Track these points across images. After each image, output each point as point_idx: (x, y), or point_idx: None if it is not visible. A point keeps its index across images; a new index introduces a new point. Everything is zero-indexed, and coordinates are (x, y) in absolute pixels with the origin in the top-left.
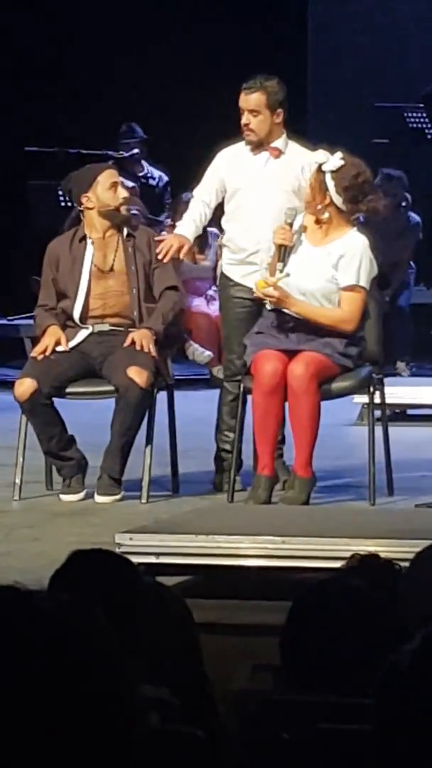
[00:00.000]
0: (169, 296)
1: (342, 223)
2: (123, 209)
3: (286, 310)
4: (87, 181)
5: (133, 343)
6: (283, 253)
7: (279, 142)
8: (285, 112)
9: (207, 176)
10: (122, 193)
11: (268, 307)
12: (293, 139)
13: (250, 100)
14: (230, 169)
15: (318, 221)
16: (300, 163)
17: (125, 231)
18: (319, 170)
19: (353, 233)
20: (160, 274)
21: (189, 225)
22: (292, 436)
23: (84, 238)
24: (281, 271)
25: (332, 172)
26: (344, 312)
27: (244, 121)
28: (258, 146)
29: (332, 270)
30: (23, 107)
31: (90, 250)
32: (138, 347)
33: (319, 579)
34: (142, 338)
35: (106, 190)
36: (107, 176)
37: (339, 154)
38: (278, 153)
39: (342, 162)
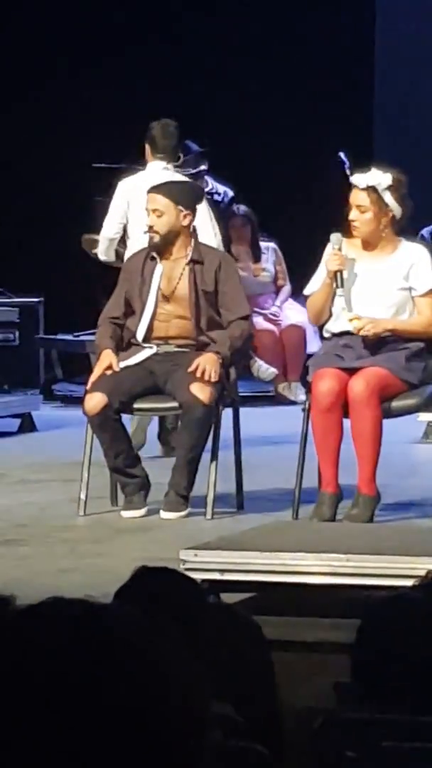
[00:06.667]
0: (239, 324)
1: (393, 235)
2: (148, 236)
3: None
4: None
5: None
6: (340, 278)
7: None
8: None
9: None
10: (148, 221)
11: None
12: None
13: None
14: None
15: (367, 242)
16: None
17: (189, 255)
18: (373, 191)
19: (410, 244)
20: (230, 301)
21: None
22: (355, 453)
23: (155, 258)
24: (341, 296)
25: (388, 187)
26: (428, 317)
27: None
28: None
29: (403, 281)
30: (90, 123)
31: (159, 271)
32: (199, 373)
33: (388, 595)
34: (206, 363)
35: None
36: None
37: (378, 171)
38: None
39: (390, 175)
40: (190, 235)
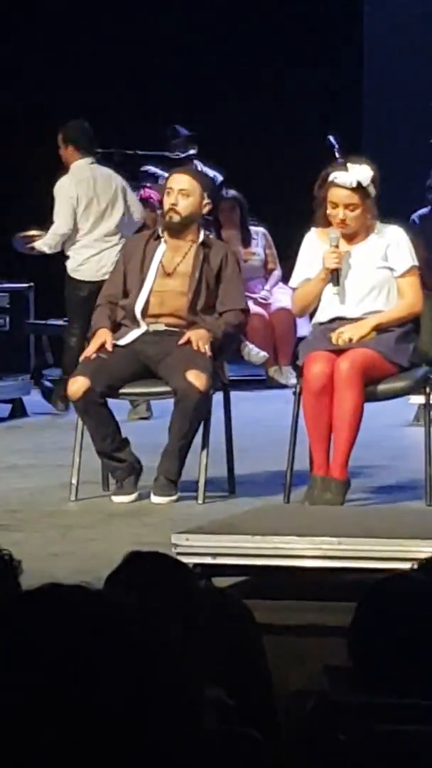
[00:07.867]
0: (237, 315)
1: (372, 220)
2: (167, 217)
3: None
4: None
5: (188, 342)
6: (337, 276)
7: None
8: None
9: None
10: (169, 200)
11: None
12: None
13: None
14: None
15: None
16: None
17: (200, 239)
18: (360, 187)
19: (386, 225)
20: (231, 292)
21: None
22: (333, 434)
23: (159, 237)
24: (336, 294)
25: (371, 180)
26: (410, 298)
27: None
28: None
29: (381, 261)
30: (81, 108)
31: (162, 249)
32: (194, 347)
33: (387, 576)
34: (198, 338)
35: (165, 195)
36: (168, 182)
37: (354, 164)
38: None
39: (367, 166)
40: (201, 225)
